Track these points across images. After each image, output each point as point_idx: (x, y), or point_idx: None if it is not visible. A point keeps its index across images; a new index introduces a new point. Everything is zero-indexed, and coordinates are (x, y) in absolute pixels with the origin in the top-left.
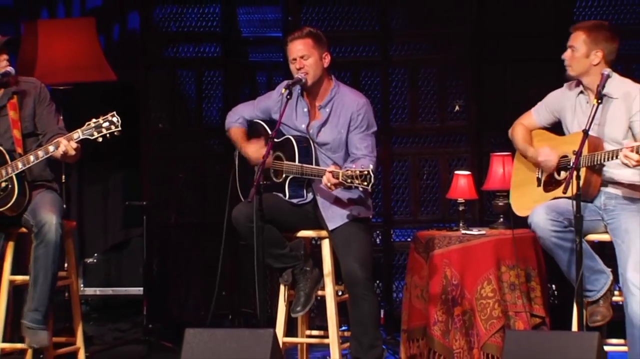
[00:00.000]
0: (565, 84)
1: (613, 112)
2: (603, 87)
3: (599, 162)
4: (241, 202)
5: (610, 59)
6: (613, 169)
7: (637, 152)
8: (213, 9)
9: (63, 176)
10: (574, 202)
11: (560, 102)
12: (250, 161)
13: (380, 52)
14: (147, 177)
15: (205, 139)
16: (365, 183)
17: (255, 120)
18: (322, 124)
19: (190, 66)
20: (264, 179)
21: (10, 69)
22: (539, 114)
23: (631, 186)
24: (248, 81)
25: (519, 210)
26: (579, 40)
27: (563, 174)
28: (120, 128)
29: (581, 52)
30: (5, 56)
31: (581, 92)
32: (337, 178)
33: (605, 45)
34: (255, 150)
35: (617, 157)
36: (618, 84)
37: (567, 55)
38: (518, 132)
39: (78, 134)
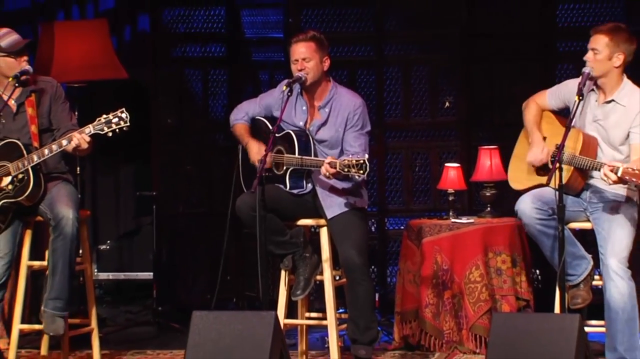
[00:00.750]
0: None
1: (618, 119)
2: (584, 84)
3: (585, 167)
4: (244, 193)
5: (629, 60)
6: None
7: (615, 174)
8: (218, 12)
9: (78, 169)
10: (557, 192)
11: (573, 93)
12: (250, 157)
13: (376, 52)
14: (157, 169)
15: (211, 133)
16: (362, 171)
17: (257, 117)
18: (322, 123)
19: (197, 65)
20: (266, 171)
21: (28, 68)
22: (551, 97)
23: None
24: (251, 79)
25: (512, 181)
26: (601, 43)
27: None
28: (128, 124)
29: (604, 54)
30: (25, 57)
31: (592, 89)
32: (335, 168)
33: (626, 47)
34: (257, 151)
35: (598, 170)
36: (629, 92)
37: (589, 57)
38: (530, 110)
39: (90, 129)
